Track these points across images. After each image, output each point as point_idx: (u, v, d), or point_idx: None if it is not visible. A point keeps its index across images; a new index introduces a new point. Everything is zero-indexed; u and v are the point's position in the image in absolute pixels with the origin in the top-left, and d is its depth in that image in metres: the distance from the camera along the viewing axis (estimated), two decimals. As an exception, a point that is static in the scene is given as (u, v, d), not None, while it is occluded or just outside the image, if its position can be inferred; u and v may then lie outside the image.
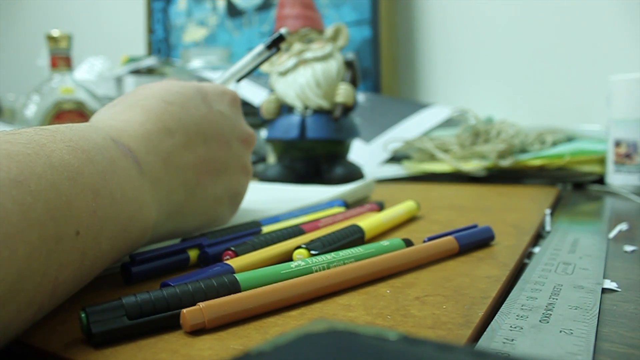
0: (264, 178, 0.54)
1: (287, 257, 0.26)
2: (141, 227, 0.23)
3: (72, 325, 0.19)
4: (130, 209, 0.22)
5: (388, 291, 0.22)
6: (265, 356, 0.11)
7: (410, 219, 0.37)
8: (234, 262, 0.24)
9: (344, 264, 0.24)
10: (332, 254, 0.24)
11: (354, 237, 0.29)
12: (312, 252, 0.26)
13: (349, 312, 0.20)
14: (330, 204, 0.37)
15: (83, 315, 0.17)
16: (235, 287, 0.20)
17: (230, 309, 0.19)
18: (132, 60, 0.95)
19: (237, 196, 0.32)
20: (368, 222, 0.31)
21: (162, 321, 0.18)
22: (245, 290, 0.20)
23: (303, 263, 0.23)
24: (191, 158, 0.27)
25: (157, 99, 0.27)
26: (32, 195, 0.16)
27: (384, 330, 0.12)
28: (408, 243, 0.27)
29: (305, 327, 0.12)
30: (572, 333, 0.18)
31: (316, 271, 0.23)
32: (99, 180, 0.20)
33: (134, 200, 0.22)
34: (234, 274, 0.21)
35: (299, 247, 0.26)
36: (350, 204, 0.40)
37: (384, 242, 0.26)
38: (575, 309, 0.20)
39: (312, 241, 0.26)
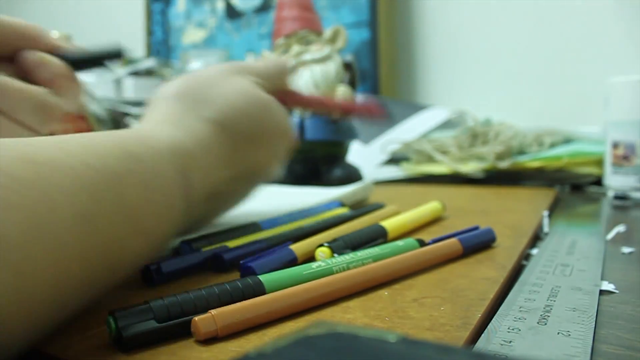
0: (262, 180, 0.54)
1: None
2: (158, 251, 0.23)
3: (72, 326, 0.19)
4: (157, 233, 0.22)
5: (386, 293, 0.22)
6: (264, 358, 0.11)
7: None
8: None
9: (363, 264, 0.24)
10: (351, 254, 0.25)
11: (377, 242, 0.29)
12: (335, 254, 0.26)
13: (347, 314, 0.20)
14: (328, 205, 0.37)
15: (111, 319, 0.17)
16: (260, 289, 0.20)
17: (242, 315, 0.18)
18: (131, 62, 0.95)
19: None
20: (392, 223, 0.31)
21: (189, 324, 0.18)
22: (270, 292, 0.20)
23: (324, 264, 0.23)
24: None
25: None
26: (96, 233, 0.17)
27: (384, 332, 0.12)
28: (422, 243, 0.27)
29: (304, 329, 0.12)
30: (569, 335, 0.18)
31: (337, 271, 0.23)
32: (142, 221, 0.20)
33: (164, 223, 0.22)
34: (258, 276, 0.21)
35: (321, 245, 0.27)
36: (348, 206, 0.40)
37: (399, 242, 0.27)
38: (573, 310, 0.20)
39: (334, 240, 0.27)
